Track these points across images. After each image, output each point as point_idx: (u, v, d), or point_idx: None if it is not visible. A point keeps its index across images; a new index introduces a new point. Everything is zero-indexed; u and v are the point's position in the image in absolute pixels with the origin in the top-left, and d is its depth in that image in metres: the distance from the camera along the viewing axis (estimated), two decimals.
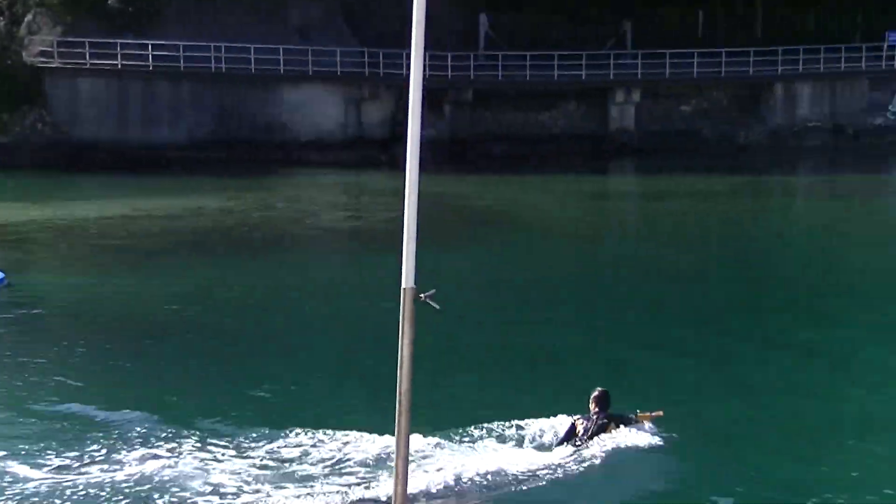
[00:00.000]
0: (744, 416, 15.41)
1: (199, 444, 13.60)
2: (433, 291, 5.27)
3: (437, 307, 5.32)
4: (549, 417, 14.29)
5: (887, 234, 34.31)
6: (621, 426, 13.86)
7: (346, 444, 13.51)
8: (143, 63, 49.72)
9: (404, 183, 5.18)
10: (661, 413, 14.06)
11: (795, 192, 46.86)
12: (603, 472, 13.05)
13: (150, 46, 49.42)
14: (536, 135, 54.58)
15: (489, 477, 12.59)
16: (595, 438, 13.67)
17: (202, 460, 13.08)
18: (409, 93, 5.01)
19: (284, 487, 12.34)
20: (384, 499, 11.49)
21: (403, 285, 5.05)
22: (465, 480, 12.52)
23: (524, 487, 12.54)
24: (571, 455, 13.32)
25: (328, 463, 13.01)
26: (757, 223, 37.18)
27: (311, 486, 12.34)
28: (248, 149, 49.87)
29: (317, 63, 51.37)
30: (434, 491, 12.17)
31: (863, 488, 12.82)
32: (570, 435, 13.77)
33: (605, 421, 13.84)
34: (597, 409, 13.92)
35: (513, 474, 12.75)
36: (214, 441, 13.74)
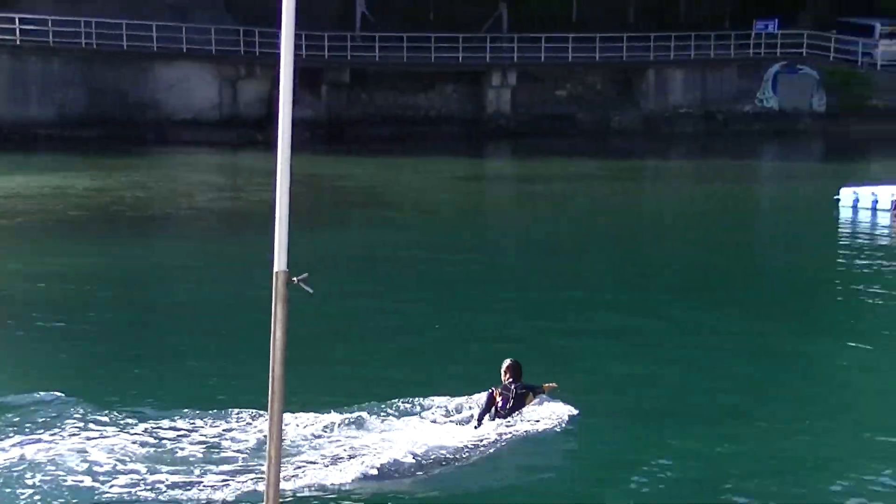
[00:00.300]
0: (645, 390, 15.86)
1: (77, 425, 13.43)
2: (306, 275, 5.29)
3: (311, 291, 5.34)
4: (445, 396, 14.50)
5: (751, 215, 35.58)
6: (537, 397, 14.05)
7: (223, 427, 13.47)
8: (9, 37, 48.44)
9: (281, 167, 5.17)
10: (555, 385, 14.30)
11: (667, 176, 47.84)
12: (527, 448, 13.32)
13: (16, 20, 48.18)
14: (413, 117, 54.66)
15: (397, 457, 12.70)
16: (517, 410, 13.82)
17: (80, 440, 12.93)
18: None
19: (160, 469, 12.27)
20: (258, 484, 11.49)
21: (275, 269, 5.05)
22: (343, 459, 12.60)
23: (427, 466, 12.66)
24: (496, 430, 13.52)
25: (205, 445, 12.95)
26: (628, 204, 37.96)
27: (189, 469, 12.30)
28: (120, 127, 48.97)
29: (191, 41, 50.64)
30: (310, 476, 12.21)
31: (761, 455, 13.34)
32: (491, 404, 13.84)
33: (524, 391, 13.98)
34: (511, 379, 14.00)
35: (412, 452, 12.85)
36: (92, 421, 13.60)
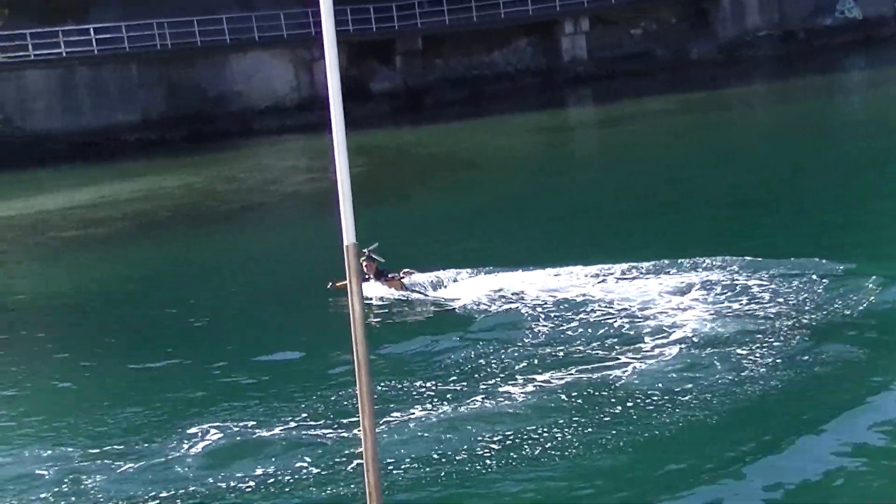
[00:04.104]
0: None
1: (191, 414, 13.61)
2: (375, 245, 5.33)
3: (382, 260, 5.38)
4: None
5: (845, 130, 34.82)
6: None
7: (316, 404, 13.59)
8: (87, 49, 49.20)
9: (337, 142, 5.16)
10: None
11: (753, 101, 47.01)
12: None
13: (92, 31, 48.92)
14: (489, 76, 54.46)
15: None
16: None
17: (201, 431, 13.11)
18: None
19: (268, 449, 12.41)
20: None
21: (345, 242, 5.07)
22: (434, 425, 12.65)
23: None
24: None
25: (299, 426, 13.00)
26: (717, 134, 37.39)
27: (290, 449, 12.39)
28: (203, 122, 49.55)
29: (262, 29, 50.98)
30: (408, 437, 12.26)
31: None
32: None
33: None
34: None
35: None
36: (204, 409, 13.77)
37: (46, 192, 38.80)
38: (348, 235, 5.12)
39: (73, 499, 11.59)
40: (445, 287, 18.95)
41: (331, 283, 18.18)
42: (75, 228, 31.48)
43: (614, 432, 12.12)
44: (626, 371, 14.01)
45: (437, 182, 33.83)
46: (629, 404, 12.87)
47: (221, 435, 12.90)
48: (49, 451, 12.97)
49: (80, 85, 49.43)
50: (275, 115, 50.73)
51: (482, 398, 13.44)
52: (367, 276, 17.46)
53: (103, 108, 49.40)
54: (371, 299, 17.62)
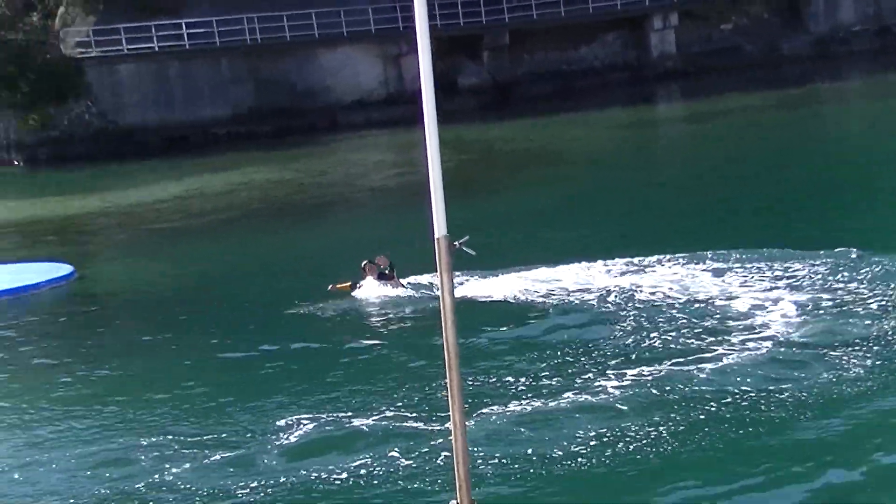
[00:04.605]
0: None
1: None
2: (466, 238, 5.31)
3: (473, 253, 5.37)
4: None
5: None
6: None
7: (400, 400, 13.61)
8: (178, 43, 49.89)
9: (429, 135, 5.17)
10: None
11: (847, 98, 46.22)
12: None
13: (183, 26, 49.57)
14: (576, 70, 54.20)
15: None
16: None
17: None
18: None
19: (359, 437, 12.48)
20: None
21: (436, 235, 5.08)
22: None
23: None
24: None
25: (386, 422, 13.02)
26: (811, 131, 36.82)
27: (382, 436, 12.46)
28: (291, 117, 49.97)
29: (350, 24, 51.25)
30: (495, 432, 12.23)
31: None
32: None
33: None
34: None
35: None
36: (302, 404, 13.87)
37: (139, 184, 39.44)
38: (439, 228, 5.13)
39: (164, 488, 11.77)
40: (529, 280, 18.97)
41: (331, 286, 19.41)
42: (166, 220, 31.97)
43: (707, 429, 11.94)
44: (718, 365, 13.83)
45: (524, 176, 33.74)
46: (724, 400, 12.67)
47: (311, 426, 12.99)
48: (140, 440, 13.17)
49: (171, 79, 50.14)
50: (361, 109, 51.00)
51: (573, 392, 13.35)
52: (363, 279, 19.25)
53: (194, 102, 50.06)
54: (373, 298, 18.86)
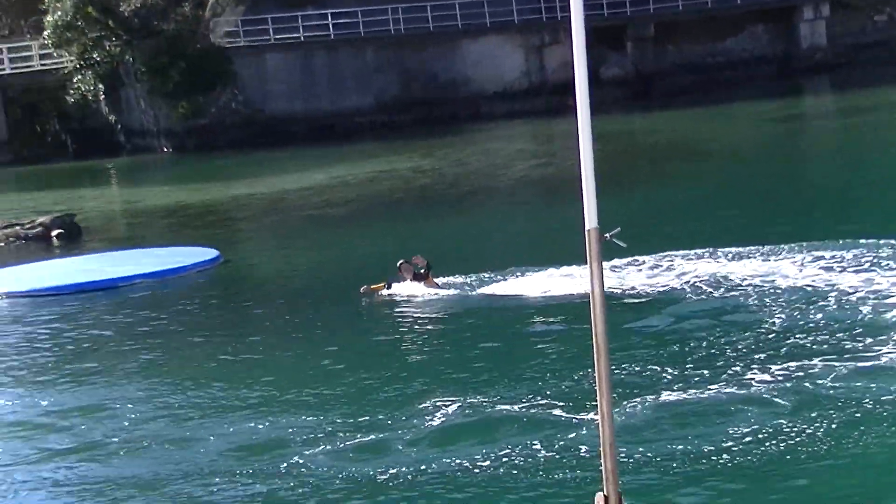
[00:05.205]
0: None
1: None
2: (618, 229, 5.29)
3: (623, 245, 5.38)
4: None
5: None
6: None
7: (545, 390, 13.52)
8: (324, 33, 50.65)
9: (582, 125, 5.16)
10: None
11: None
12: None
13: (329, 16, 50.29)
14: (722, 62, 53.39)
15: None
16: None
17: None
18: (576, 35, 4.97)
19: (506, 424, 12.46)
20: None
21: (587, 227, 5.10)
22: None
23: None
24: None
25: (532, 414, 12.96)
26: None
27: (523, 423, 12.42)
28: (434, 107, 50.32)
29: (493, 14, 51.34)
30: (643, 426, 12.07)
31: None
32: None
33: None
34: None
35: None
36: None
37: (284, 172, 40.18)
38: (590, 219, 5.13)
39: (303, 470, 11.91)
40: (674, 270, 18.80)
41: (364, 287, 19.42)
42: (311, 208, 32.49)
43: (864, 428, 11.45)
44: (872, 363, 13.35)
45: (670, 169, 33.37)
46: (884, 397, 12.20)
47: (455, 412, 12.99)
48: (285, 422, 13.37)
49: (317, 68, 50.95)
50: (503, 100, 51.10)
51: (720, 385, 13.05)
52: (404, 278, 19.25)
53: (339, 92, 50.79)
54: (414, 296, 18.90)
